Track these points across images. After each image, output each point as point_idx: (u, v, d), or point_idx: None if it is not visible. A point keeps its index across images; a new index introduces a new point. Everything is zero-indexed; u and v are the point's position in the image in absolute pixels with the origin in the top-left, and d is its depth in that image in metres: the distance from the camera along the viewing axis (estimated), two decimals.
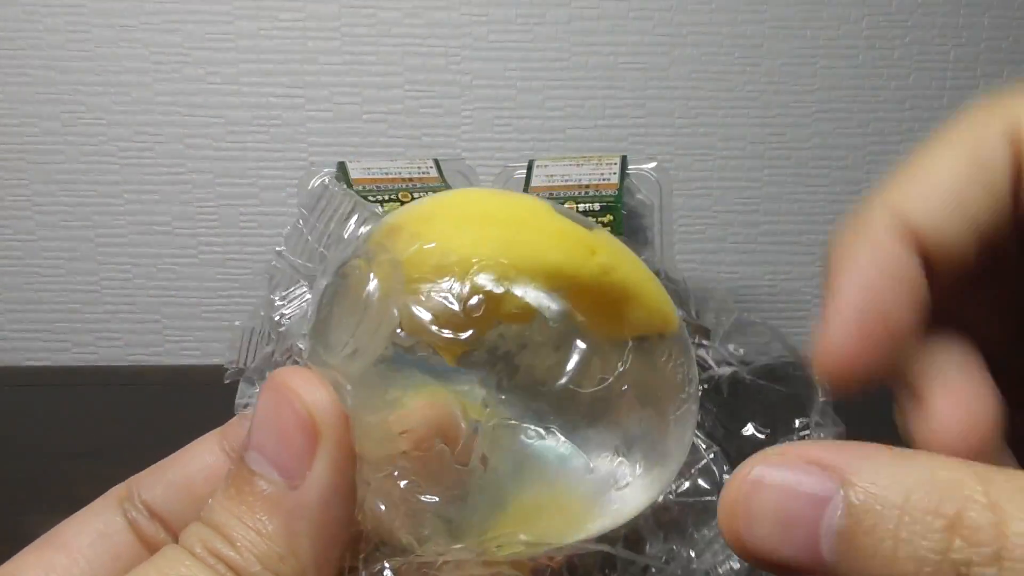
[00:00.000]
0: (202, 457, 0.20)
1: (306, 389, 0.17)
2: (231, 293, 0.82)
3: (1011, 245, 0.18)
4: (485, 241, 0.18)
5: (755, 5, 0.79)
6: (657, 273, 0.71)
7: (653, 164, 0.65)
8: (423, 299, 0.17)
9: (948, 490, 0.13)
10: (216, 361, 0.84)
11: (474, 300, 0.17)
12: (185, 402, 0.75)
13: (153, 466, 0.21)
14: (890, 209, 0.17)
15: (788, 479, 0.14)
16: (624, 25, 0.79)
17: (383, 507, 0.17)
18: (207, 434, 0.21)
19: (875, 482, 0.13)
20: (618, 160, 0.64)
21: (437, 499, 0.17)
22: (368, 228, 0.20)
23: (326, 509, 0.16)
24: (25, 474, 0.59)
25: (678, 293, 0.65)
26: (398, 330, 0.17)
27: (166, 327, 0.83)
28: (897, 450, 0.14)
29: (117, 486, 0.21)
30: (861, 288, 0.17)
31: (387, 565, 0.17)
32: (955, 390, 0.17)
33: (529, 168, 0.65)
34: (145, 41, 0.77)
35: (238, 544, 0.16)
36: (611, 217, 0.61)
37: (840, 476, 0.13)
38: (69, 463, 0.60)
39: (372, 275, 0.18)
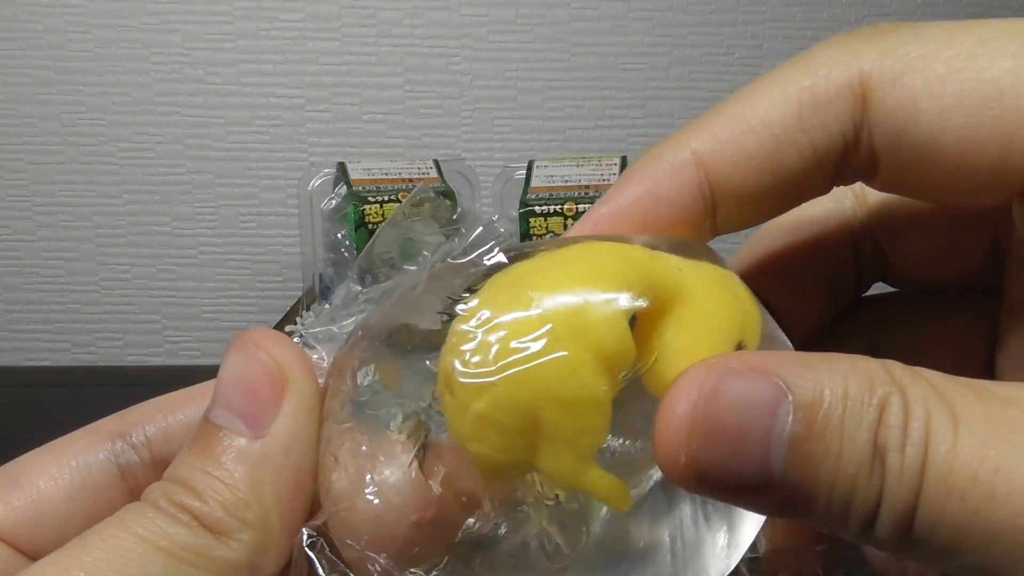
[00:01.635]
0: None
1: (274, 343, 0.17)
2: (231, 293, 0.82)
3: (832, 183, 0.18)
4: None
5: (755, 5, 0.79)
6: None
7: None
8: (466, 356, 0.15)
9: (873, 378, 0.13)
10: (216, 361, 0.84)
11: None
12: None
13: (150, 403, 0.20)
14: (686, 144, 0.17)
15: (743, 389, 0.13)
16: (624, 25, 0.79)
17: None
18: (214, 380, 0.19)
19: (816, 381, 0.13)
20: (618, 160, 0.64)
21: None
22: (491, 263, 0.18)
23: (290, 455, 0.16)
24: None
25: None
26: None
27: (166, 327, 0.83)
28: (813, 354, 0.14)
29: (104, 420, 0.19)
30: (645, 181, 0.17)
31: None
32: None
33: (529, 168, 0.65)
34: (145, 41, 0.77)
35: (202, 494, 0.15)
36: None
37: (785, 382, 0.13)
38: None
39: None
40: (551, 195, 0.63)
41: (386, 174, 0.63)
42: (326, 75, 0.78)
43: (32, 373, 0.81)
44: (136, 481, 0.18)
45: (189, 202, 0.80)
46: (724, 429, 0.13)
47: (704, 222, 0.17)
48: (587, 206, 0.61)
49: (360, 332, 0.18)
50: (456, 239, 0.19)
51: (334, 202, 0.63)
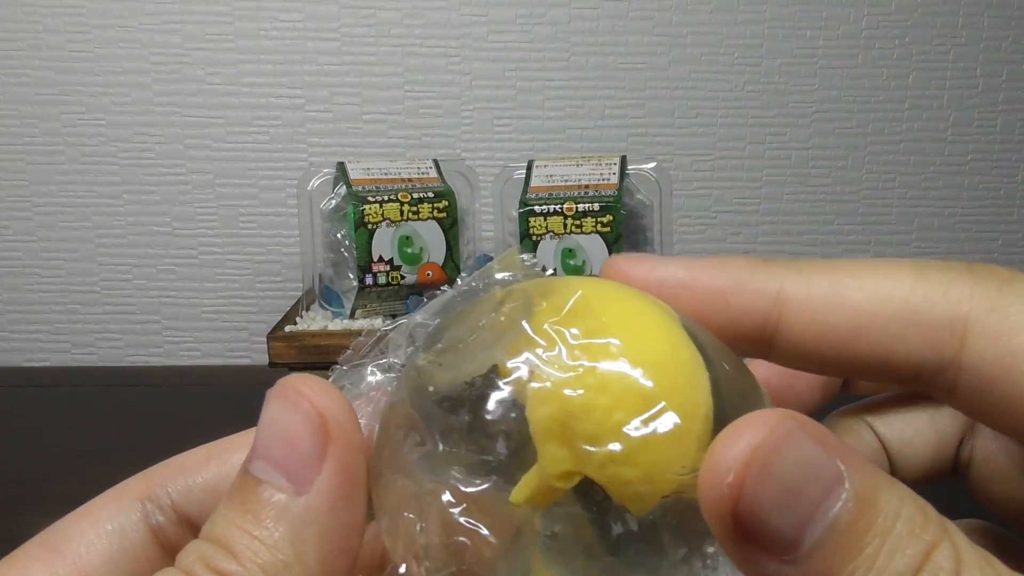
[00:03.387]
0: (234, 461, 0.18)
1: (316, 392, 0.16)
2: (231, 293, 0.82)
3: None
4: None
5: (755, 5, 0.79)
6: None
7: (653, 164, 0.65)
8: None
9: (929, 521, 0.13)
10: (216, 361, 0.84)
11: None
12: (185, 402, 0.75)
13: (173, 462, 0.19)
14: (780, 278, 0.18)
15: (812, 452, 0.13)
16: (624, 25, 0.79)
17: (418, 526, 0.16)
18: (241, 434, 0.19)
19: (875, 485, 0.13)
20: (618, 160, 0.64)
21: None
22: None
23: (335, 514, 0.15)
24: (25, 474, 0.59)
25: None
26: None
27: (166, 327, 0.83)
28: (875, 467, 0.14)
29: (131, 481, 0.18)
30: None
31: None
32: None
33: (529, 168, 0.65)
34: (145, 42, 0.77)
35: (240, 556, 0.15)
36: (611, 217, 0.61)
37: (847, 469, 0.13)
38: (69, 463, 0.60)
39: (504, 302, 0.16)
40: (551, 195, 0.63)
41: (386, 174, 0.63)
42: (326, 75, 0.78)
43: (32, 373, 0.81)
44: (167, 541, 0.18)
45: (189, 202, 0.80)
46: (780, 477, 0.13)
47: (749, 349, 0.17)
48: (587, 206, 0.61)
49: (415, 384, 0.17)
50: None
51: (334, 202, 0.63)
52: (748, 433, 0.13)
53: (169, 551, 0.18)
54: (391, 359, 0.18)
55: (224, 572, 0.15)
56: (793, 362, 0.17)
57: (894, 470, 0.21)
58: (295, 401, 0.16)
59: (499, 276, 0.19)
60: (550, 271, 0.20)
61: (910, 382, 0.16)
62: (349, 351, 0.19)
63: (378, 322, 0.62)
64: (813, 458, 0.13)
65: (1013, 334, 0.15)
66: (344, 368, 0.18)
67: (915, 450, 0.21)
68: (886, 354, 0.16)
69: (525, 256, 0.20)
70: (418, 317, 0.19)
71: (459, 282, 0.19)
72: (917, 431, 0.21)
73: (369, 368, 0.18)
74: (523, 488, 0.15)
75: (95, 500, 0.18)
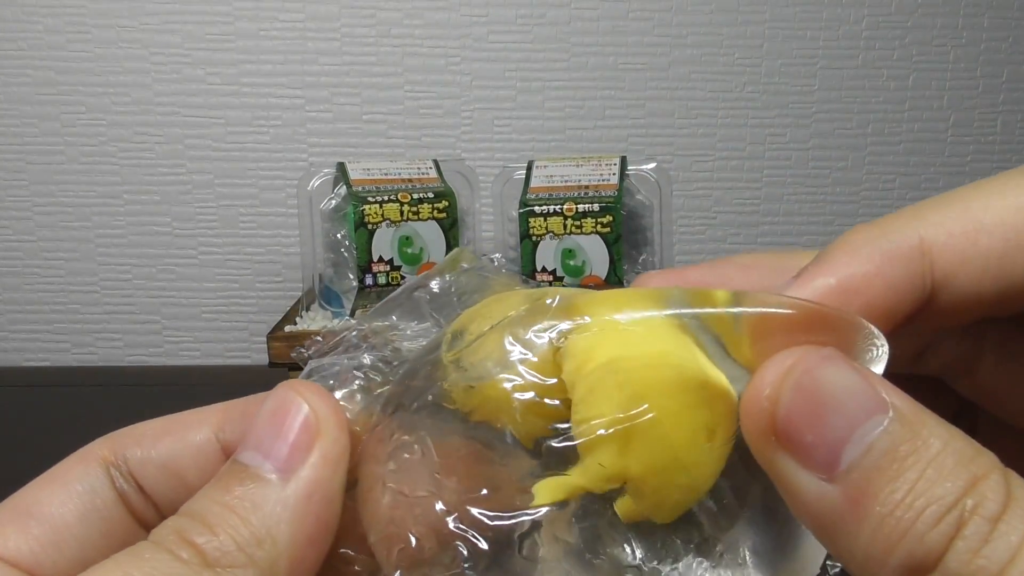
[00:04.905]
0: (194, 440, 0.19)
1: (311, 393, 0.17)
2: (230, 293, 0.82)
3: None
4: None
5: (755, 5, 0.79)
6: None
7: (653, 164, 0.65)
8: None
9: (980, 454, 0.13)
10: (216, 361, 0.84)
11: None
12: (185, 402, 0.75)
13: (133, 431, 0.19)
14: (914, 231, 0.16)
15: (856, 377, 0.13)
16: (624, 25, 0.79)
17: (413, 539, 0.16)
18: (200, 411, 0.20)
19: (922, 417, 0.13)
20: (618, 160, 0.64)
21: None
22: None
23: (313, 503, 0.16)
24: (25, 474, 0.59)
25: None
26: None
27: (166, 327, 0.83)
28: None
29: (93, 446, 0.19)
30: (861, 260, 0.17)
31: None
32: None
33: (529, 168, 0.65)
34: (145, 42, 0.77)
35: (215, 528, 0.15)
36: (611, 217, 0.61)
37: (892, 402, 0.13)
38: None
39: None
40: (551, 195, 0.63)
41: (386, 174, 0.63)
42: (326, 75, 0.78)
43: (32, 373, 0.81)
44: (132, 507, 0.18)
45: (189, 202, 0.80)
46: (818, 395, 0.13)
47: (915, 314, 0.16)
48: (587, 206, 0.61)
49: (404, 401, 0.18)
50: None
51: (334, 202, 0.63)
52: (791, 356, 0.14)
53: (137, 518, 0.18)
54: (362, 359, 0.19)
55: (197, 544, 0.15)
56: (958, 312, 0.16)
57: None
58: (291, 399, 0.17)
59: (447, 278, 0.20)
60: (497, 256, 0.20)
61: None
62: (318, 343, 0.20)
63: (377, 323, 0.62)
64: (854, 384, 0.13)
65: None
66: (315, 362, 0.19)
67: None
68: None
69: (494, 258, 0.20)
70: (373, 322, 0.19)
71: (404, 283, 0.20)
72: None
73: (339, 367, 0.19)
74: (555, 490, 0.15)
75: (59, 465, 0.18)
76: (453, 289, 0.19)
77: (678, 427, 0.15)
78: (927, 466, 0.13)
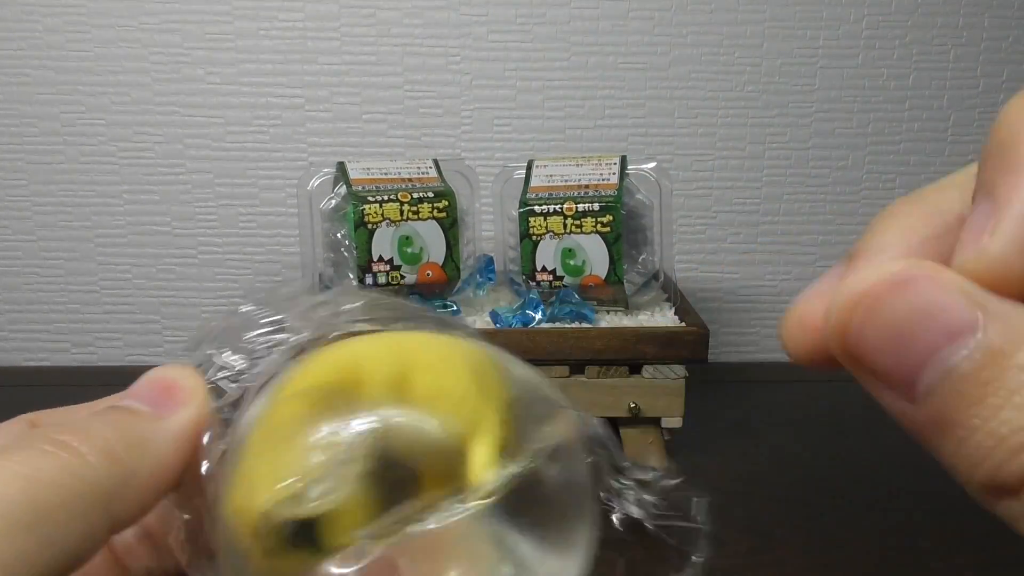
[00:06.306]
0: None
1: (188, 371, 0.21)
2: (230, 293, 0.82)
3: None
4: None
5: (755, 5, 0.79)
6: (655, 275, 0.71)
7: (653, 164, 0.65)
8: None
9: None
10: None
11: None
12: None
13: (57, 408, 0.22)
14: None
15: (934, 298, 0.13)
16: (624, 25, 0.79)
17: None
18: (113, 396, 0.22)
19: (1020, 344, 0.12)
20: (618, 160, 0.64)
21: None
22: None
23: (172, 446, 0.19)
24: None
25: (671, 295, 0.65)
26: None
27: (165, 327, 0.83)
28: None
29: (22, 416, 0.22)
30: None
31: None
32: None
33: (528, 168, 0.65)
34: (144, 41, 0.77)
35: (90, 432, 0.17)
36: (611, 217, 0.61)
37: (985, 316, 0.12)
38: None
39: None
40: (551, 195, 0.63)
41: (385, 174, 0.63)
42: (326, 75, 0.78)
43: (32, 373, 0.81)
44: None
45: (189, 202, 0.80)
46: (886, 321, 0.13)
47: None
48: (587, 206, 0.61)
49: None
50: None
51: (333, 202, 0.63)
52: (870, 279, 0.13)
53: None
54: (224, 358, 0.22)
55: (66, 442, 0.17)
56: None
57: None
58: (172, 367, 0.21)
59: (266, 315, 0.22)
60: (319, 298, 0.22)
61: None
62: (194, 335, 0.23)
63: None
64: (934, 304, 0.13)
65: None
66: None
67: None
68: None
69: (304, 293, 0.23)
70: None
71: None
72: None
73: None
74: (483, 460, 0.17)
75: None
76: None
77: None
78: (1014, 393, 0.12)
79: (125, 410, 0.19)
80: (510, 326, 0.59)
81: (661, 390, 0.58)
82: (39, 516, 0.15)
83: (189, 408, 0.19)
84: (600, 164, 0.64)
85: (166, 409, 0.19)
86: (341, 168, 0.63)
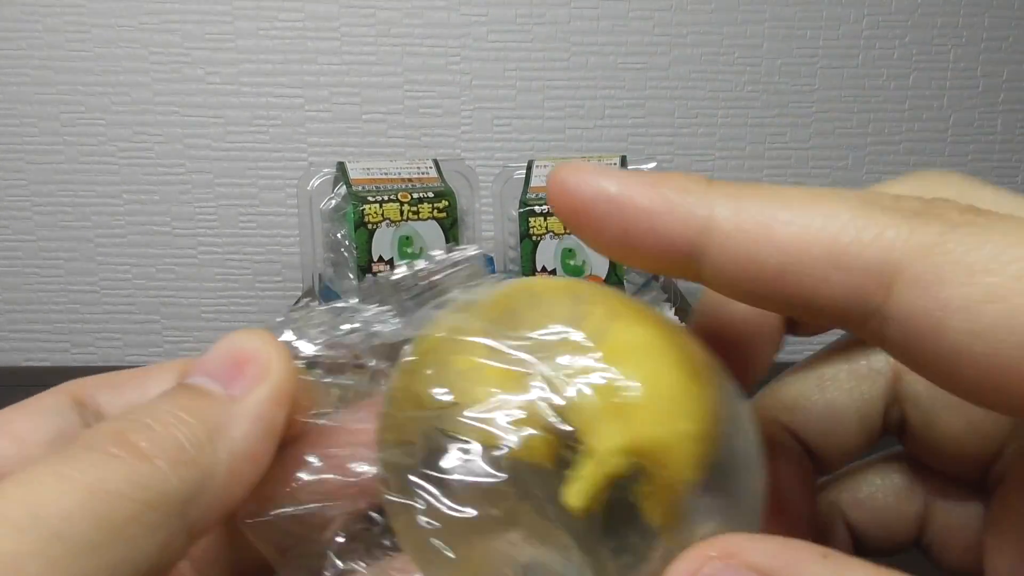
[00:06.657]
0: (159, 386, 0.18)
1: (266, 337, 0.17)
2: (230, 293, 0.82)
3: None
4: None
5: (755, 5, 0.79)
6: (655, 275, 0.71)
7: (653, 164, 0.65)
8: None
9: None
10: None
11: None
12: None
13: (104, 376, 0.19)
14: (709, 204, 0.16)
15: None
16: (624, 25, 0.79)
17: None
18: (167, 362, 0.20)
19: None
20: (618, 160, 0.64)
21: None
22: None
23: (257, 424, 0.16)
24: None
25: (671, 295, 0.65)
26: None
27: (165, 327, 0.83)
28: (829, 552, 0.13)
29: (65, 384, 0.19)
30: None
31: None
32: None
33: (528, 168, 0.65)
34: (144, 41, 0.77)
35: (157, 428, 0.15)
36: None
37: None
38: None
39: None
40: None
41: (386, 174, 0.63)
42: (326, 75, 0.78)
43: (32, 373, 0.81)
44: None
45: (189, 202, 0.80)
46: None
47: (677, 275, 0.16)
48: None
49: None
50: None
51: (334, 202, 0.63)
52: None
53: None
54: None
55: (132, 442, 0.15)
56: (721, 291, 0.16)
57: (820, 459, 0.20)
58: (247, 334, 0.17)
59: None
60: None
61: (840, 324, 0.15)
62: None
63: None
64: None
65: (944, 285, 0.13)
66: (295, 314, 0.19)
67: (839, 437, 0.20)
68: (811, 296, 0.14)
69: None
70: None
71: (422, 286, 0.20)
72: (837, 416, 0.20)
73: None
74: (581, 488, 0.15)
75: (29, 399, 0.18)
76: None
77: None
78: None
79: (195, 392, 0.16)
80: None
81: None
82: (106, 534, 0.13)
83: (264, 386, 0.17)
84: (600, 164, 0.64)
85: (241, 387, 0.17)
86: (341, 168, 0.63)
